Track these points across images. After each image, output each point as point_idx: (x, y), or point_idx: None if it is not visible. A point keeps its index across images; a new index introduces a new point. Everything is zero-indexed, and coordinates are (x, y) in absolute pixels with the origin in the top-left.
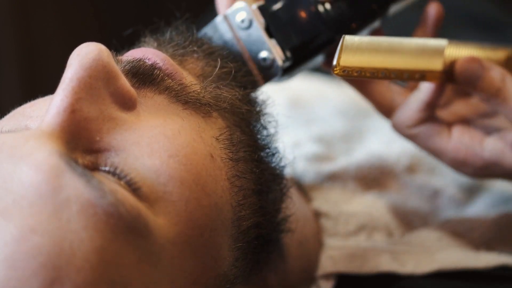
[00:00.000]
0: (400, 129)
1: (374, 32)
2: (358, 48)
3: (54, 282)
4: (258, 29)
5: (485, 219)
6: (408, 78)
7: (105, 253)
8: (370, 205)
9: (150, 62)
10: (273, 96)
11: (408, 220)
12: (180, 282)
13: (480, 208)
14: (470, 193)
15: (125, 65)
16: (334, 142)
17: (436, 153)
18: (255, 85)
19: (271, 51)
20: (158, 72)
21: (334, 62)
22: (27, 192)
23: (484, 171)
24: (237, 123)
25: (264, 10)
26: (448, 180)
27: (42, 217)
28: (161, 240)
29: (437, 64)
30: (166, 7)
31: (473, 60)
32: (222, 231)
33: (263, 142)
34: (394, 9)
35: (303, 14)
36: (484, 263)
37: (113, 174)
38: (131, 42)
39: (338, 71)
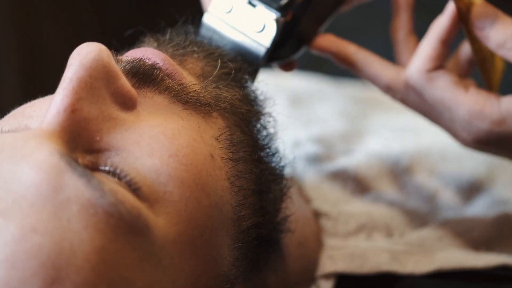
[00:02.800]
0: (417, 76)
1: None
2: None
3: (54, 282)
4: (240, 3)
5: (484, 219)
6: None
7: (105, 253)
8: (370, 205)
9: (150, 62)
10: (273, 96)
11: (408, 220)
12: (180, 282)
13: (480, 208)
14: (470, 193)
15: (125, 65)
16: (334, 142)
17: (452, 103)
18: (258, 58)
19: (260, 16)
20: (158, 72)
21: None
22: (28, 192)
23: (499, 126)
24: (237, 123)
25: None
26: (447, 180)
27: (42, 217)
28: (162, 240)
29: None
30: (166, 7)
31: (489, 5)
32: (222, 231)
33: (263, 142)
34: None
35: None
36: (484, 263)
37: (113, 174)
38: (131, 42)
39: None
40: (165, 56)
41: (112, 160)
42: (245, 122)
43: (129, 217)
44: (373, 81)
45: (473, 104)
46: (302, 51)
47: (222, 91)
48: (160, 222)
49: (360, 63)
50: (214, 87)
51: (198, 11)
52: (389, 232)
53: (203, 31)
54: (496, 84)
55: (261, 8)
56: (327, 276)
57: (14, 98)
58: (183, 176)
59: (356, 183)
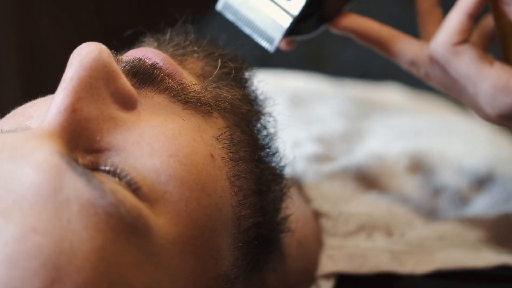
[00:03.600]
0: (443, 49)
1: None
2: None
3: (54, 281)
4: None
5: (485, 218)
6: None
7: (105, 253)
8: (370, 205)
9: (150, 62)
10: (273, 96)
11: (408, 220)
12: (181, 282)
13: (480, 207)
14: (470, 193)
15: (126, 65)
16: (334, 142)
17: (477, 77)
18: (281, 28)
19: None
20: (158, 72)
21: None
22: (28, 192)
23: None
24: (237, 123)
25: None
26: (448, 180)
27: (42, 217)
28: (162, 240)
29: None
30: (166, 7)
31: None
32: (222, 231)
33: (263, 142)
34: None
35: None
36: (484, 263)
37: (114, 174)
38: (131, 42)
39: None
40: (165, 56)
41: (112, 160)
42: (245, 122)
43: (129, 217)
44: (398, 57)
45: (498, 78)
46: (323, 28)
47: (222, 91)
48: (160, 222)
49: (384, 40)
50: (214, 87)
51: (198, 11)
52: (389, 232)
53: (221, 8)
54: None
55: None
56: (327, 276)
57: (14, 98)
58: (183, 176)
59: (356, 183)
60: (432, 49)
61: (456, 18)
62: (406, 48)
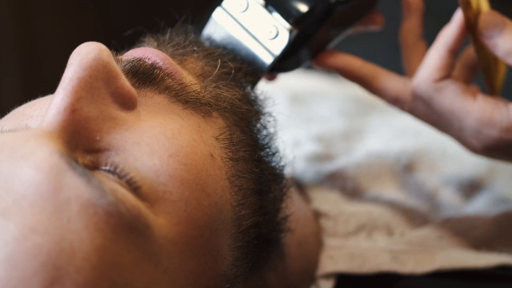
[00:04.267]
0: (425, 86)
1: None
2: None
3: (54, 281)
4: (256, 5)
5: (485, 218)
6: None
7: (105, 252)
8: (370, 205)
9: (150, 62)
10: (273, 95)
11: (408, 219)
12: (180, 282)
13: (481, 206)
14: (470, 191)
15: (125, 65)
16: (334, 141)
17: (461, 112)
18: (263, 65)
19: (275, 23)
20: (158, 71)
21: None
22: (28, 192)
23: (509, 133)
24: (237, 122)
25: None
26: (448, 179)
27: (42, 217)
28: (161, 240)
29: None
30: (166, 7)
31: (496, 14)
32: (222, 231)
33: (263, 142)
34: None
35: None
36: (484, 262)
37: (113, 173)
38: (131, 42)
39: None
40: (165, 55)
41: (112, 159)
42: (245, 122)
43: (129, 216)
44: (381, 94)
45: (481, 112)
46: (305, 65)
47: (222, 90)
48: (160, 221)
49: (367, 77)
50: (214, 87)
51: (198, 11)
52: (389, 231)
53: (210, 26)
54: (499, 88)
55: (277, 16)
56: (327, 276)
57: (14, 98)
58: (183, 176)
59: (356, 182)
60: (415, 86)
61: (436, 54)
62: (389, 85)
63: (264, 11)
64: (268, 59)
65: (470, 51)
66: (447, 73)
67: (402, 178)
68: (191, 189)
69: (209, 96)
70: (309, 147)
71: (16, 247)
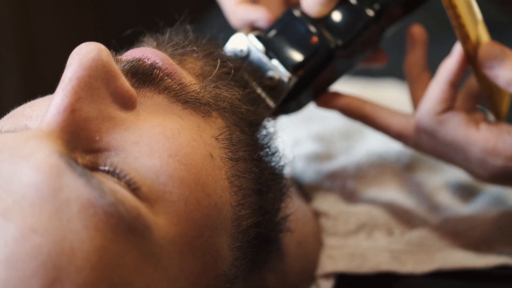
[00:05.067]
0: (428, 119)
1: None
2: None
3: (54, 282)
4: (257, 53)
5: (485, 218)
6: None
7: (105, 253)
8: (370, 204)
9: (149, 62)
10: None
11: (408, 219)
12: (180, 282)
13: (480, 206)
14: (470, 191)
15: (125, 65)
16: (333, 140)
17: (465, 143)
18: (267, 110)
19: (275, 69)
20: (158, 71)
21: None
22: (28, 192)
23: None
24: (236, 122)
25: (261, 38)
26: (448, 179)
27: (42, 217)
28: (161, 241)
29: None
30: (166, 7)
31: (495, 44)
32: (222, 231)
33: (262, 142)
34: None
35: (297, 36)
36: (484, 262)
37: (113, 174)
38: (131, 42)
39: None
40: (164, 55)
41: (112, 160)
42: (244, 122)
43: (129, 217)
44: (384, 130)
45: (485, 142)
46: (307, 106)
47: (221, 90)
48: (160, 222)
49: (369, 115)
50: (213, 87)
51: (197, 11)
52: (389, 231)
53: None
54: (504, 114)
55: (276, 62)
56: (327, 276)
57: (14, 98)
58: (183, 176)
59: (356, 182)
60: (418, 120)
61: (438, 87)
62: (391, 121)
63: (264, 57)
64: (270, 105)
65: (472, 80)
66: (449, 105)
67: (402, 177)
68: (190, 189)
69: (208, 96)
70: (309, 147)
71: (16, 248)
